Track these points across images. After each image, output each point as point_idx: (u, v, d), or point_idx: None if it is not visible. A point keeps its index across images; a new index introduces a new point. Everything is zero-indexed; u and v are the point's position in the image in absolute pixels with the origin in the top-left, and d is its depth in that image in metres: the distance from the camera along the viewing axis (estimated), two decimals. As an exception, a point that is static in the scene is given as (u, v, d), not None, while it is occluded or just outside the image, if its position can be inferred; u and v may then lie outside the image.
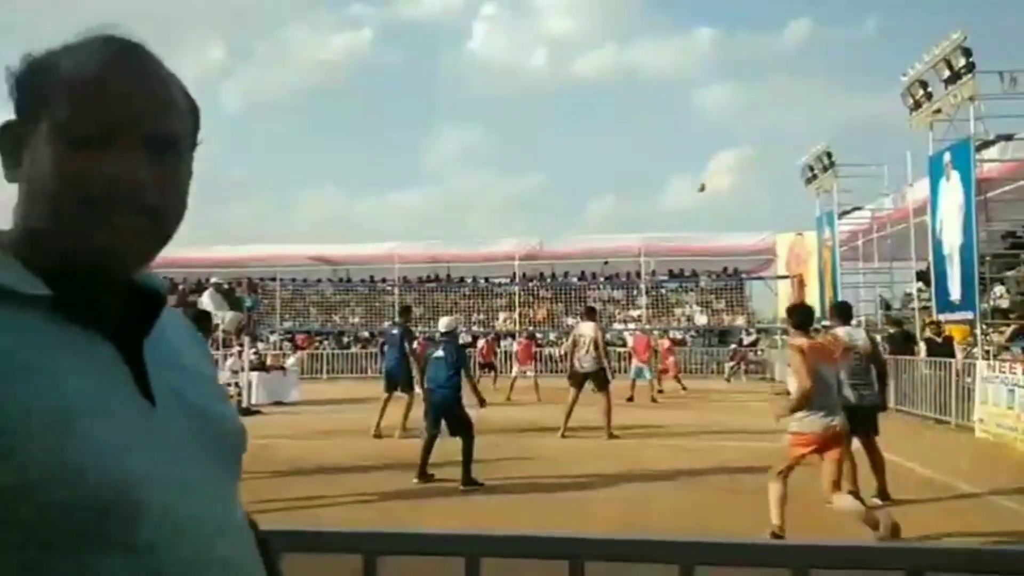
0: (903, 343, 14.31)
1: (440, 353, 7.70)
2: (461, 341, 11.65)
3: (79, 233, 0.74)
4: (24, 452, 0.64)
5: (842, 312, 7.15)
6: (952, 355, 12.15)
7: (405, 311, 11.88)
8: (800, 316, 5.79)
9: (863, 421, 6.49)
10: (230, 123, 59.87)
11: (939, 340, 12.84)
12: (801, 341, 5.48)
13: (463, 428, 7.36)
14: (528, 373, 17.57)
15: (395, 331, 10.94)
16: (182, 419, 0.79)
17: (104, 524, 0.67)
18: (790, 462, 5.33)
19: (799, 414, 5.28)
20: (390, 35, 65.32)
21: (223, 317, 14.28)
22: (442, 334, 8.20)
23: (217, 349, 14.05)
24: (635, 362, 16.34)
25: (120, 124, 0.75)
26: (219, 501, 0.79)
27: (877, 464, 6.61)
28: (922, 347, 13.44)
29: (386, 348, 11.28)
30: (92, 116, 0.75)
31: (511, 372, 18.58)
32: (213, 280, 15.67)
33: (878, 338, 10.99)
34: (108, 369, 0.75)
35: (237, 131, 60.66)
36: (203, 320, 7.62)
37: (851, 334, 6.73)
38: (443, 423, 7.52)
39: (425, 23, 63.19)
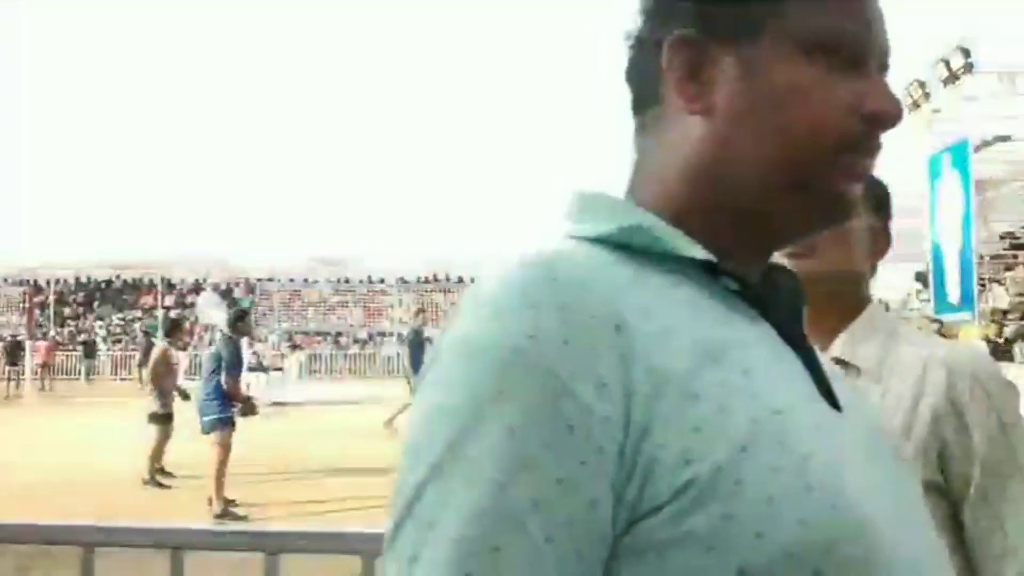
0: None
1: None
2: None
3: (824, 185, 0.57)
4: (721, 467, 0.47)
5: None
6: (1011, 357, 11.96)
7: (420, 313, 12.38)
8: None
9: None
10: (229, 122, 59.88)
11: (1000, 341, 12.77)
12: None
13: None
14: None
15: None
16: (866, 431, 0.59)
17: (827, 570, 0.47)
18: None
19: None
20: (391, 34, 65.23)
21: (220, 318, 14.26)
22: None
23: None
24: None
25: (874, 44, 0.58)
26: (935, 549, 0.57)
27: None
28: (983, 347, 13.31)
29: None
30: (858, 30, 0.56)
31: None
32: (211, 280, 15.60)
33: None
34: (787, 363, 0.56)
35: (236, 130, 60.65)
36: (243, 320, 7.63)
37: None
38: None
39: (428, 19, 63.14)
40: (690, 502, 0.46)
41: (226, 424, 6.54)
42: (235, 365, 6.90)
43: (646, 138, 0.62)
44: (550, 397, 0.47)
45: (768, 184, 0.57)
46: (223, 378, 6.58)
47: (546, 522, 0.45)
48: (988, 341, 12.96)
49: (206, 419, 6.56)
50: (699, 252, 0.55)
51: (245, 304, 26.29)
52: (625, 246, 0.55)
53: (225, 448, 6.46)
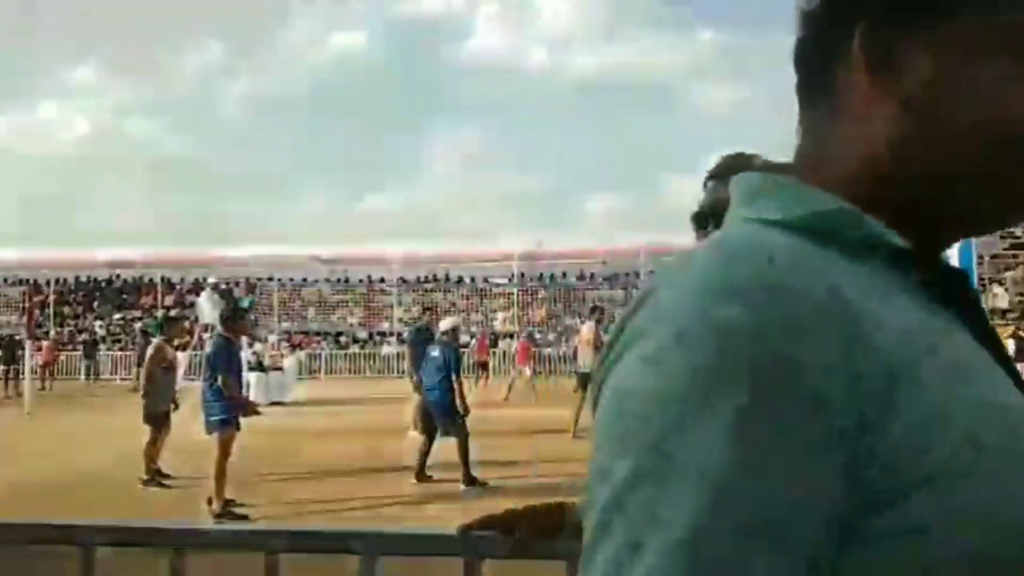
0: None
1: (436, 354, 7.68)
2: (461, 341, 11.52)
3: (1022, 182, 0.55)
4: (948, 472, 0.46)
5: None
6: None
7: (427, 311, 12.19)
8: None
9: None
10: (229, 122, 59.94)
11: None
12: None
13: (456, 427, 7.36)
14: (526, 372, 17.55)
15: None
16: None
17: None
18: None
19: None
20: (389, 33, 65.28)
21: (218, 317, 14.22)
22: (442, 332, 8.13)
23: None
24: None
25: None
26: None
27: None
28: (1010, 345, 13.31)
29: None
30: None
31: (508, 372, 18.58)
32: (210, 280, 15.60)
33: None
34: (986, 357, 0.55)
35: (236, 130, 60.69)
36: (238, 317, 7.45)
37: None
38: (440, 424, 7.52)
39: (425, 21, 63.17)
40: (920, 493, 0.45)
41: (228, 424, 6.51)
42: (231, 365, 6.84)
43: (819, 125, 0.60)
44: (779, 383, 0.45)
45: (964, 179, 0.55)
46: (219, 379, 6.55)
47: (779, 511, 0.44)
48: (1019, 338, 12.90)
49: (209, 419, 6.55)
50: (899, 240, 0.54)
51: (245, 304, 26.24)
52: (811, 231, 0.53)
53: (226, 448, 6.44)
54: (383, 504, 6.76)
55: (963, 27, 0.54)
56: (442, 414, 7.44)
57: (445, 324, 8.29)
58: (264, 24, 66.80)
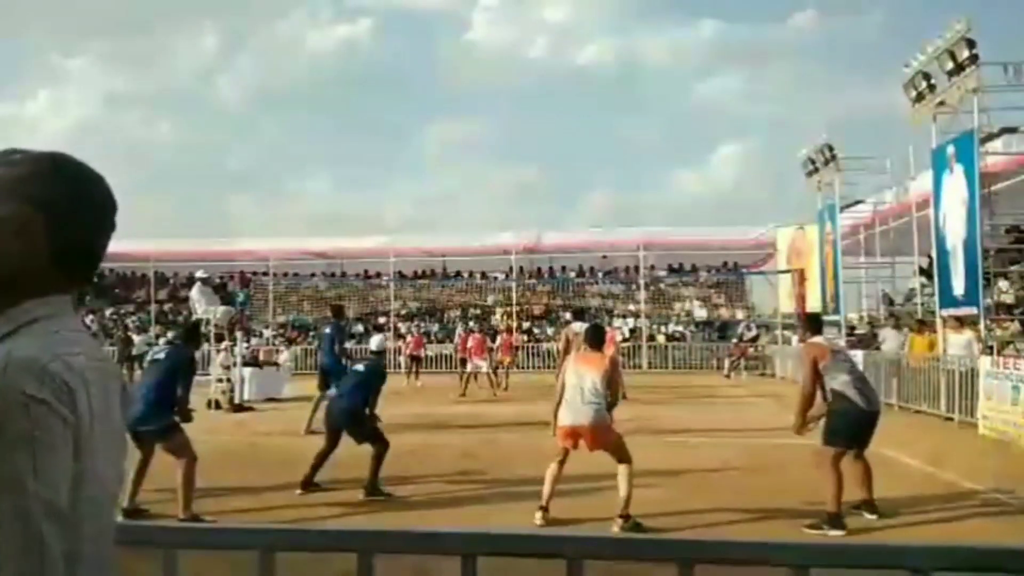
0: None
1: (360, 368, 7.63)
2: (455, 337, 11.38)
3: None
4: None
5: (813, 324, 6.64)
6: None
7: (338, 311, 12.13)
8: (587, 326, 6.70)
9: (871, 428, 6.13)
10: (225, 115, 59.64)
11: None
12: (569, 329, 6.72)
13: (371, 436, 7.07)
14: (483, 368, 17.13)
15: (327, 330, 11.19)
16: None
17: None
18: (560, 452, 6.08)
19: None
20: (388, 25, 64.90)
21: (214, 312, 14.08)
22: (372, 352, 8.08)
23: (209, 344, 13.94)
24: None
25: None
26: None
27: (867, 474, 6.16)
28: None
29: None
30: None
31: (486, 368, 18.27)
32: (199, 274, 15.39)
33: None
34: None
35: (231, 123, 60.39)
36: (193, 334, 7.27)
37: (830, 340, 6.56)
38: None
39: (424, 13, 62.80)
40: None
41: (175, 429, 6.18)
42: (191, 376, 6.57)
43: None
44: None
45: None
46: (179, 390, 6.25)
47: None
48: None
49: (163, 426, 6.10)
50: None
51: (240, 298, 26.03)
52: None
53: (192, 453, 6.08)
54: (378, 501, 6.63)
55: None
56: (353, 423, 7.15)
57: (375, 345, 8.21)
58: (261, 15, 66.35)
